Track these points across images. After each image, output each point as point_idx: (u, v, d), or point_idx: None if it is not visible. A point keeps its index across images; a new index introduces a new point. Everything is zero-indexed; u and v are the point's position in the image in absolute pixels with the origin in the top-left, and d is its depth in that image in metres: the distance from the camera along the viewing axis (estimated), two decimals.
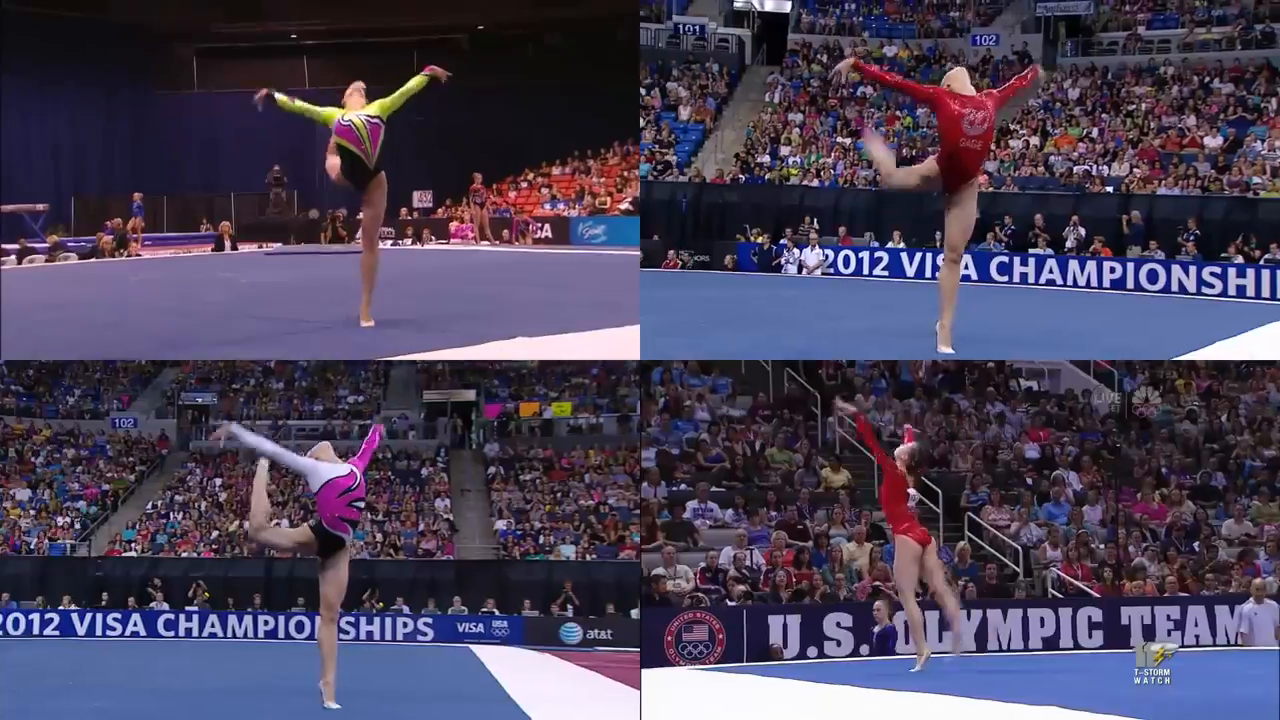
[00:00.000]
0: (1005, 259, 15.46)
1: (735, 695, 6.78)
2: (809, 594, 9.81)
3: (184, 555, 18.41)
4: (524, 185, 22.18)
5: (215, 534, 18.73)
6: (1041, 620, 9.50)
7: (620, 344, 6.95)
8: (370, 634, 15.84)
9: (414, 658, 3.96)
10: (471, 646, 12.43)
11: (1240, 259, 14.60)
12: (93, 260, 16.06)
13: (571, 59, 22.28)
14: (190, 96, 24.20)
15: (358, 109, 6.82)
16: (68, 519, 19.24)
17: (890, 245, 16.44)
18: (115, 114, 23.73)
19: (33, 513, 19.26)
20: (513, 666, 9.15)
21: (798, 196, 17.98)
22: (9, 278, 12.34)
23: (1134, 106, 18.41)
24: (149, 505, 19.76)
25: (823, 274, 15.99)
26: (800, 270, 16.24)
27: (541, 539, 18.23)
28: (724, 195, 18.34)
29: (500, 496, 19.29)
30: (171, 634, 16.49)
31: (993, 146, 15.05)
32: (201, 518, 19.26)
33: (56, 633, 16.53)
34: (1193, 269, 14.45)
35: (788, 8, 21.82)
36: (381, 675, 4.38)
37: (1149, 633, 9.42)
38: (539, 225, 19.79)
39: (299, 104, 6.78)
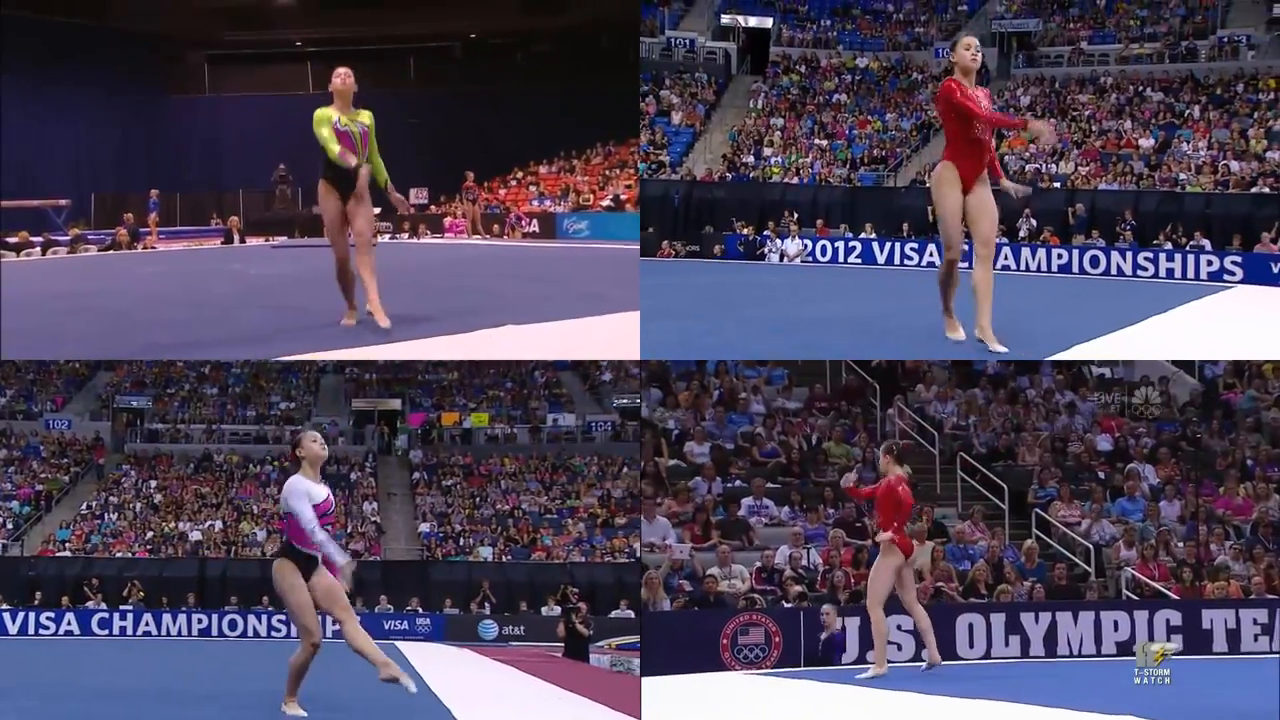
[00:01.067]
0: (965, 247, 16.04)
1: (792, 702, 6.71)
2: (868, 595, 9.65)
3: (118, 555, 18.98)
4: (513, 183, 24.28)
5: (150, 534, 19.50)
6: (1115, 624, 9.20)
7: (612, 333, 6.98)
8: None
9: (343, 654, 4.02)
10: (397, 643, 13.02)
11: (1169, 245, 17.30)
12: (110, 252, 17.11)
13: (558, 66, 24.81)
14: (201, 100, 26.44)
15: (346, 104, 6.76)
16: (0, 518, 19.76)
17: (863, 235, 18.86)
18: (132, 117, 25.41)
19: None
20: (434, 662, 9.57)
21: (779, 192, 20.56)
22: (30, 269, 13.16)
23: (1077, 112, 21.41)
24: (83, 506, 20.35)
25: (802, 262, 17.96)
26: (781, 259, 18.40)
27: (462, 541, 19.61)
28: (712, 191, 20.77)
29: (424, 500, 20.66)
30: (106, 632, 17.02)
31: None
32: (136, 518, 19.93)
33: None
34: (1129, 254, 17.05)
35: (769, 24, 24.54)
36: (311, 672, 4.83)
37: (1233, 638, 9.12)
38: (527, 220, 21.60)
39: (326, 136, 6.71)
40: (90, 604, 17.73)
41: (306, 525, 4.83)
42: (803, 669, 8.66)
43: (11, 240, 16.78)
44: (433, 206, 22.60)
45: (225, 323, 7.59)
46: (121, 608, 17.64)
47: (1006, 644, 9.15)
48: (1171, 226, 17.79)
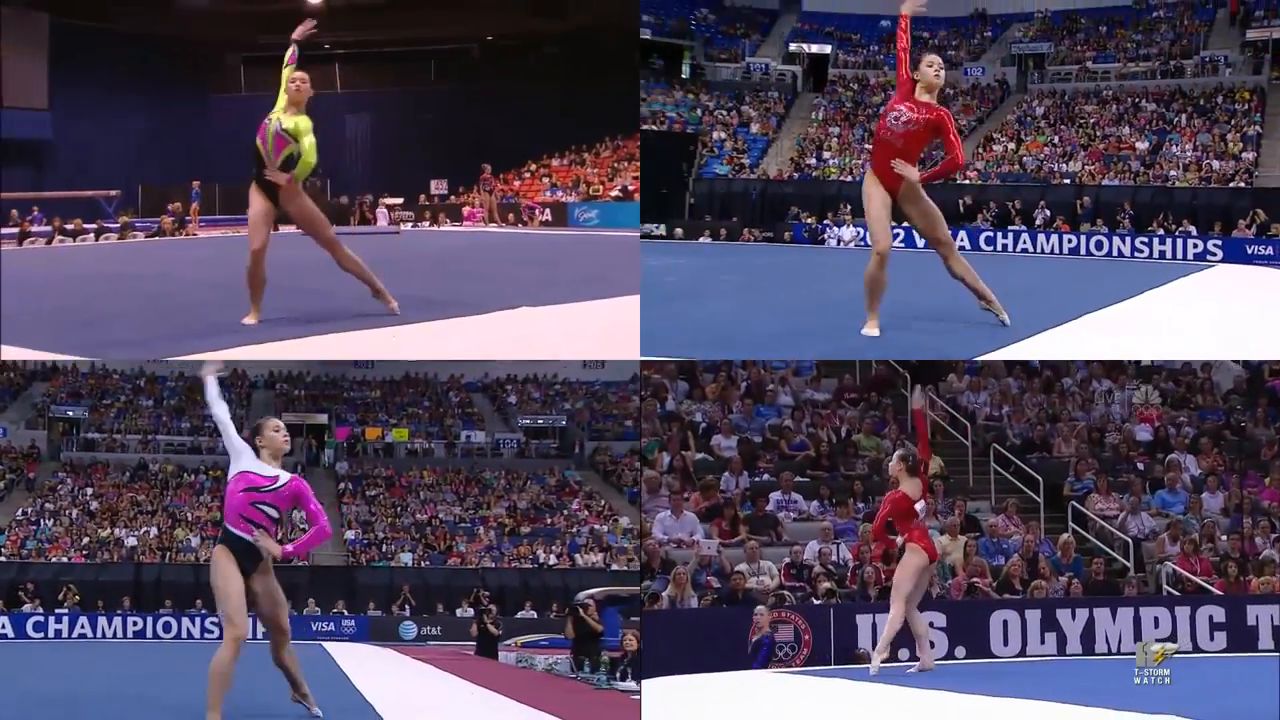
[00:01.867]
0: (991, 234, 22.40)
1: (822, 701, 6.70)
2: None
3: (54, 560, 19.88)
4: (527, 175, 27.22)
5: (86, 540, 20.50)
6: (1155, 620, 9.09)
7: (617, 326, 7.00)
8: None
9: (266, 655, 4.42)
10: (323, 643, 13.68)
11: (1162, 231, 21.47)
12: (157, 238, 19.33)
13: (566, 65, 27.66)
14: (238, 99, 28.16)
15: (294, 108, 6.90)
16: None
17: (904, 224, 21.84)
18: (176, 115, 28.11)
19: None
20: (358, 661, 10.14)
21: (836, 188, 24.79)
22: (86, 253, 14.94)
23: (1084, 120, 26.09)
24: (18, 512, 21.19)
25: (855, 245, 20.79)
26: (838, 243, 22.15)
27: (384, 547, 21.42)
28: (783, 188, 25.51)
29: (349, 509, 22.47)
30: (41, 635, 17.60)
31: (979, 150, 26.16)
32: (72, 525, 20.94)
33: None
34: (1128, 239, 21.24)
35: (828, 50, 29.93)
36: (243, 671, 4.70)
37: None
38: (541, 210, 23.74)
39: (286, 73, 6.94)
40: (26, 608, 18.36)
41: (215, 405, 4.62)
42: (833, 667, 8.62)
43: (68, 227, 19.06)
44: (452, 197, 25.01)
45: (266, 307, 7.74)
46: (57, 611, 18.32)
47: (1042, 641, 9.07)
48: (1163, 215, 21.98)
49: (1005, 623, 9.06)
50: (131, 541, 20.54)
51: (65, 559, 20.05)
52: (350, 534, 21.78)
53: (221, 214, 23.42)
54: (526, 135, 26.62)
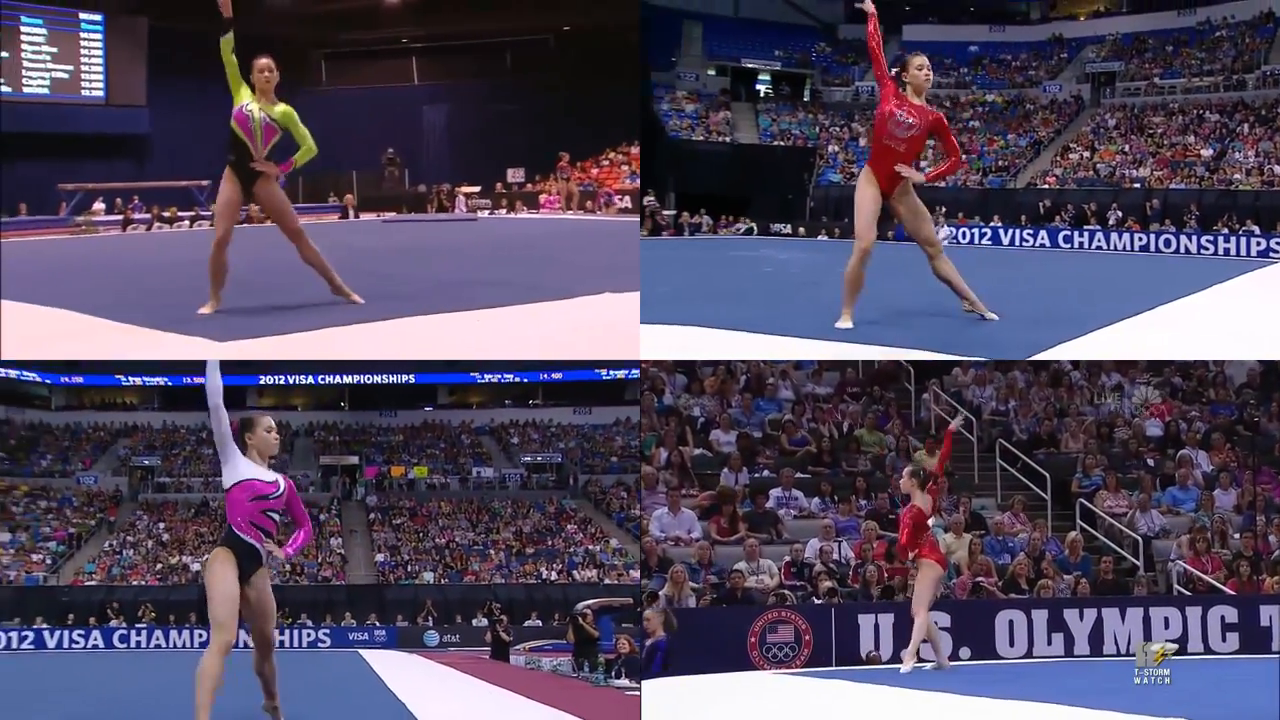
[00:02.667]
0: (1068, 233, 25.33)
1: (823, 703, 6.63)
2: (902, 590, 9.52)
3: (134, 583, 24.05)
4: (605, 163, 27.97)
5: (159, 566, 24.81)
6: (1166, 620, 8.98)
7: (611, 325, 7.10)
8: (281, 642, 24.08)
9: (315, 660, 4.97)
10: (359, 651, 16.36)
11: (1226, 231, 23.89)
12: (245, 225, 21.26)
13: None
14: (320, 93, 29.64)
15: (266, 97, 6.86)
16: (40, 555, 24.90)
17: (992, 224, 26.52)
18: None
19: (12, 551, 24.89)
20: (388, 664, 11.79)
21: (931, 193, 28.75)
22: (182, 238, 16.49)
23: (1152, 130, 29.28)
24: (105, 545, 25.76)
25: (947, 244, 26.02)
26: (946, 241, 24.02)
27: (409, 568, 25.35)
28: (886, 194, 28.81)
29: (379, 536, 26.62)
30: (124, 645, 21.32)
31: (1056, 158, 30.25)
32: (148, 554, 25.30)
33: (31, 647, 20.99)
34: (1194, 238, 23.62)
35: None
36: (290, 674, 5.23)
37: None
38: (619, 196, 24.48)
39: (232, 59, 6.84)
40: (113, 623, 22.23)
41: (214, 396, 4.48)
42: (835, 668, 8.55)
43: (165, 214, 21.60)
44: (528, 184, 25.93)
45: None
46: (137, 625, 22.09)
47: (1049, 642, 8.98)
48: (1227, 216, 24.46)
49: (1011, 623, 8.97)
50: (196, 567, 23.95)
51: (143, 582, 24.11)
52: (380, 557, 25.74)
53: (305, 202, 25.19)
54: (604, 123, 27.14)
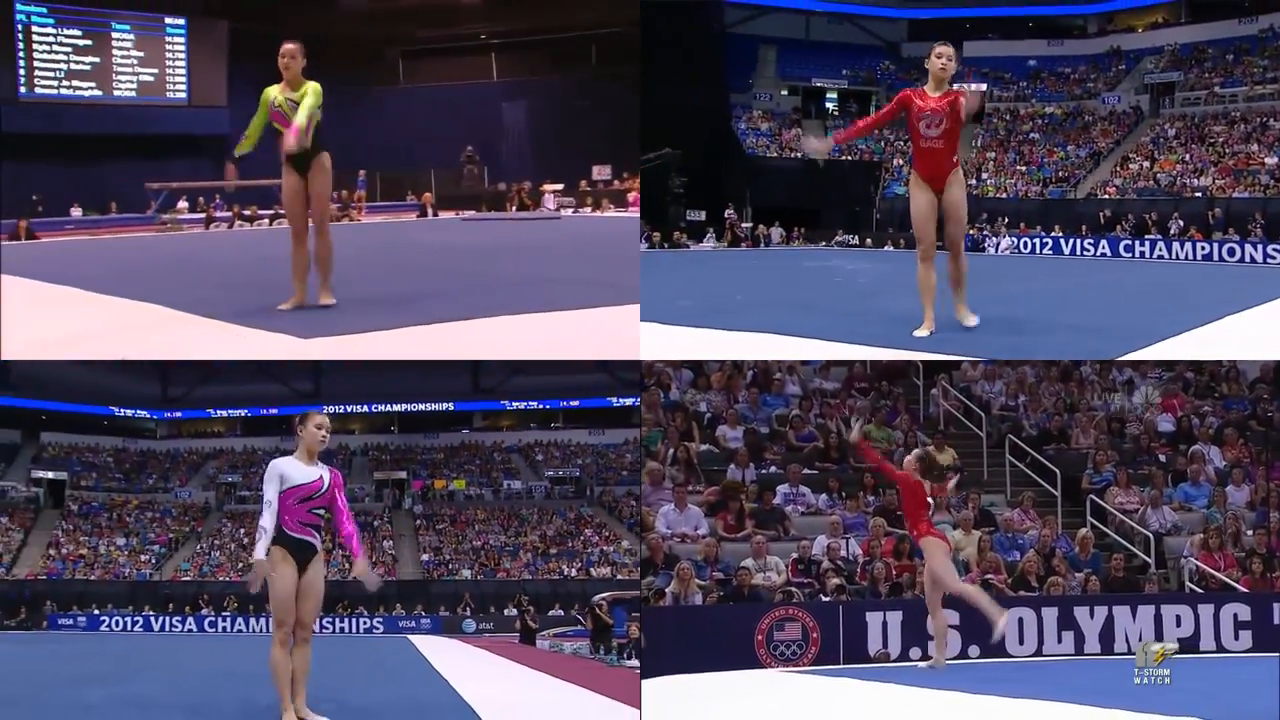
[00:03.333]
0: (1129, 242, 25.60)
1: (831, 701, 6.63)
2: (910, 588, 9.51)
3: (220, 579, 28.83)
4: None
5: (240, 565, 28.66)
6: (1178, 618, 8.96)
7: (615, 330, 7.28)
8: (342, 629, 25.49)
9: (370, 644, 6.05)
10: (408, 636, 19.57)
11: None
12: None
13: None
14: (398, 90, 30.88)
15: (291, 84, 7.02)
16: (147, 556, 30.32)
17: (1053, 234, 27.34)
18: (340, 107, 33.90)
19: (126, 552, 30.36)
20: (433, 648, 13.80)
21: (993, 204, 30.16)
22: (262, 235, 17.66)
23: (1213, 139, 29.61)
24: (197, 547, 30.95)
25: (1010, 253, 25.64)
26: (996, 250, 26.41)
27: (450, 566, 29.69)
28: None
29: (424, 539, 31.08)
30: (214, 630, 25.74)
31: (1116, 169, 31.32)
32: (231, 555, 29.98)
33: (140, 629, 26.03)
34: (1260, 247, 23.45)
35: (984, 87, 34.98)
36: (351, 656, 6.61)
37: None
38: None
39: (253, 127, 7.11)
40: (203, 612, 26.96)
41: (263, 506, 4.95)
42: (842, 666, 8.55)
43: (245, 213, 22.81)
44: (615, 182, 26.64)
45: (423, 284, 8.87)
46: (222, 614, 26.69)
47: (1059, 640, 8.97)
48: None
49: (1021, 620, 8.94)
50: None
51: (227, 578, 28.49)
52: (425, 557, 30.16)
53: (383, 200, 26.71)
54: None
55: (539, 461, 34.90)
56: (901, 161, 32.58)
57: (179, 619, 26.48)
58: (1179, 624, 8.98)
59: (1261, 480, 10.99)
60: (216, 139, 28.29)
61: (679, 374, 12.17)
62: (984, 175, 32.47)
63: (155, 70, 28.36)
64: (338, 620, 25.59)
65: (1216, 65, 32.23)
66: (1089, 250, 25.81)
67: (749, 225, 28.45)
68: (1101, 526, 10.70)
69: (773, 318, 7.88)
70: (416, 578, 29.03)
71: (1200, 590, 9.68)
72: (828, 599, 9.25)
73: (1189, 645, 8.82)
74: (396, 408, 35.82)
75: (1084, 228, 27.36)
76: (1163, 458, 11.59)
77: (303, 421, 5.10)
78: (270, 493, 4.92)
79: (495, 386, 35.19)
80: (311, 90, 6.97)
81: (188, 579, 29.14)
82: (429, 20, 29.62)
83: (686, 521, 10.07)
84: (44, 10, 26.88)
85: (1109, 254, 25.18)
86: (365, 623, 25.95)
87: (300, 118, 6.92)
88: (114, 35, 27.77)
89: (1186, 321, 7.65)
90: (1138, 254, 24.86)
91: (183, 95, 28.67)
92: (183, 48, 28.52)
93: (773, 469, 11.08)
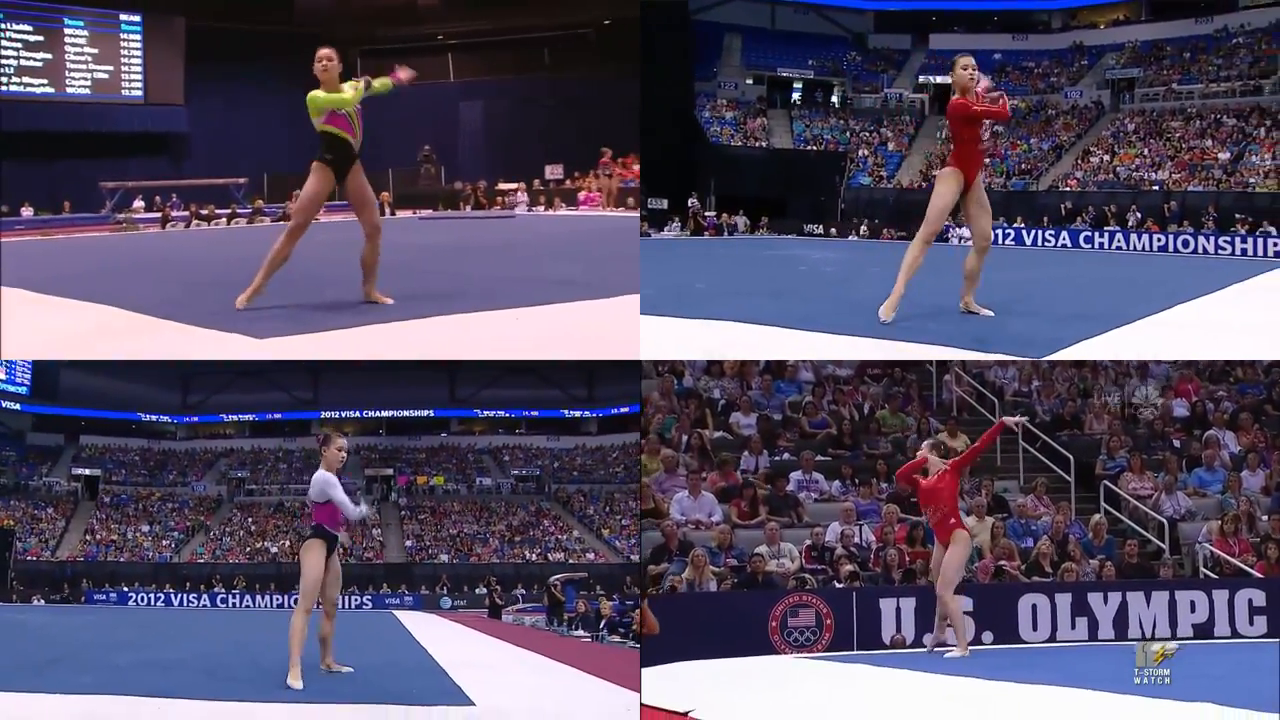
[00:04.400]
0: (1089, 233, 26.35)
1: (844, 686, 6.68)
2: (924, 574, 9.54)
3: (231, 561, 33.07)
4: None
5: (248, 549, 33.91)
6: (1192, 604, 8.96)
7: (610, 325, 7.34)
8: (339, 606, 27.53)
9: (360, 619, 6.75)
10: (393, 612, 21.85)
11: (1243, 231, 24.77)
12: (282, 222, 23.96)
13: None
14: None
15: (330, 86, 7.07)
16: (168, 541, 34.60)
17: (1015, 225, 27.45)
18: (299, 105, 30.36)
19: (150, 538, 34.59)
20: (414, 621, 15.82)
21: None
22: (216, 235, 17.70)
23: (1171, 134, 30.52)
24: (210, 534, 35.17)
25: (968, 244, 26.34)
26: (959, 240, 25.21)
27: (430, 550, 34.05)
28: (914, 195, 29.76)
29: (408, 528, 35.45)
30: (224, 606, 28.48)
31: (1078, 161, 31.61)
32: (240, 541, 34.59)
33: (161, 604, 29.25)
34: (1212, 238, 24.60)
35: (950, 81, 34.62)
36: (344, 630, 7.04)
37: None
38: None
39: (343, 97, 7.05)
40: (216, 590, 30.48)
41: (350, 514, 6.00)
42: (856, 653, 8.60)
43: (203, 212, 22.86)
44: (568, 181, 26.55)
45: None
46: (232, 591, 30.26)
47: (1073, 626, 8.98)
48: (1244, 217, 25.44)
49: (1034, 607, 8.97)
50: (274, 550, 33.70)
51: (237, 561, 32.98)
52: (409, 543, 34.37)
53: (342, 199, 26.80)
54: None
55: (506, 462, 39.65)
56: (866, 152, 33.56)
57: (195, 596, 29.97)
58: (1193, 610, 8.98)
59: (1276, 465, 10.98)
60: (174, 137, 28.78)
61: (692, 362, 12.20)
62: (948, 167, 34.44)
63: (110, 67, 27.93)
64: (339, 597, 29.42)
65: (1174, 63, 33.14)
66: (1050, 241, 26.36)
67: (712, 214, 28.54)
68: (1115, 512, 10.70)
69: (736, 306, 7.85)
70: (401, 561, 33.19)
71: (1215, 576, 9.67)
72: (841, 585, 9.29)
73: (1203, 631, 8.84)
74: (385, 413, 40.80)
75: (1045, 219, 27.84)
76: (1177, 443, 11.57)
77: (326, 443, 6.10)
78: (340, 492, 5.94)
79: (469, 397, 40.36)
80: (360, 90, 7.13)
81: (202, 561, 33.24)
82: (388, 20, 29.82)
83: (700, 508, 10.11)
84: None
85: (1069, 245, 25.78)
86: (356, 600, 28.94)
87: (380, 83, 7.14)
88: (66, 31, 27.26)
89: (1139, 311, 7.72)
90: (1097, 245, 25.61)
91: (139, 93, 28.28)
92: (138, 44, 28.11)
93: (786, 456, 11.11)
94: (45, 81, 27.08)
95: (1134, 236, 25.68)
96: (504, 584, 27.03)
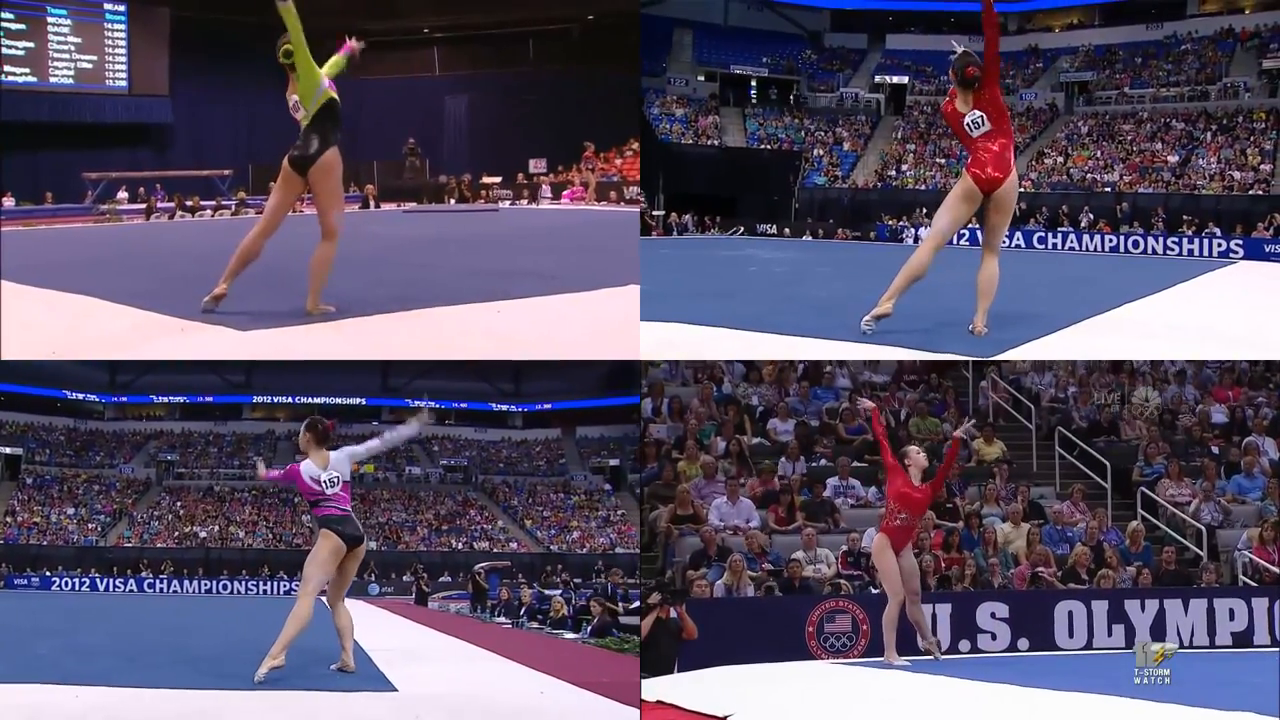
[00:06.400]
0: (1042, 234, 26.41)
1: (881, 692, 6.71)
2: (959, 580, 9.54)
3: (158, 546, 32.69)
4: (629, 154, 28.40)
5: (175, 534, 33.47)
6: (1231, 612, 8.92)
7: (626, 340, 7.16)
8: (264, 591, 29.17)
9: (288, 604, 6.58)
10: (322, 598, 21.69)
11: (1190, 232, 25.30)
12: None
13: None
14: (344, 81, 30.91)
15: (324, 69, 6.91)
16: (94, 524, 33.61)
17: (971, 225, 25.32)
18: (283, 97, 30.46)
19: (75, 521, 33.59)
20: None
21: (912, 195, 30.56)
22: (201, 227, 17.39)
23: (1122, 137, 31.28)
24: (139, 517, 34.39)
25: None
26: (915, 241, 25.27)
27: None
28: (869, 195, 31.68)
29: None
30: (151, 591, 28.69)
31: (1032, 163, 31.49)
32: (168, 525, 34.06)
33: (87, 588, 28.96)
34: (1161, 239, 24.98)
35: (906, 80, 36.39)
36: (273, 614, 7.01)
37: None
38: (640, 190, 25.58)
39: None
40: (143, 574, 30.15)
41: (365, 445, 6.19)
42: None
43: (188, 203, 22.39)
44: (551, 175, 26.17)
45: (373, 278, 8.85)
46: (159, 576, 30.20)
47: (1110, 634, 8.94)
48: (1191, 219, 26.00)
49: (1070, 614, 8.94)
50: (203, 534, 33.52)
51: (165, 545, 32.50)
52: None
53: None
54: (628, 114, 27.59)
55: (435, 451, 39.95)
56: (821, 152, 33.52)
57: (121, 580, 29.77)
58: (1232, 617, 8.93)
59: None
60: (158, 128, 28.16)
61: (731, 367, 12.26)
62: (904, 167, 33.03)
63: (94, 57, 27.25)
64: (260, 584, 29.90)
65: (1127, 67, 33.79)
66: (1004, 242, 26.87)
67: (661, 213, 27.72)
68: (1152, 519, 10.63)
69: (688, 308, 7.72)
70: None
71: (1254, 584, 9.59)
72: (877, 591, 9.28)
73: (1242, 639, 8.77)
74: (318, 400, 39.76)
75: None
76: (1215, 449, 11.46)
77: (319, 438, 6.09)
78: (305, 485, 5.96)
79: (401, 386, 40.12)
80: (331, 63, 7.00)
81: (129, 545, 32.57)
82: (373, 12, 29.45)
83: (738, 514, 10.17)
84: None
85: (1023, 245, 25.77)
86: (285, 585, 28.91)
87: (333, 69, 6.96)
88: (50, 20, 26.55)
89: (1084, 312, 7.55)
90: (1050, 245, 25.88)
91: (123, 83, 27.57)
92: (123, 34, 27.39)
93: (823, 462, 11.13)
94: (28, 70, 26.37)
95: (1086, 237, 26.03)
96: (431, 572, 28.19)
